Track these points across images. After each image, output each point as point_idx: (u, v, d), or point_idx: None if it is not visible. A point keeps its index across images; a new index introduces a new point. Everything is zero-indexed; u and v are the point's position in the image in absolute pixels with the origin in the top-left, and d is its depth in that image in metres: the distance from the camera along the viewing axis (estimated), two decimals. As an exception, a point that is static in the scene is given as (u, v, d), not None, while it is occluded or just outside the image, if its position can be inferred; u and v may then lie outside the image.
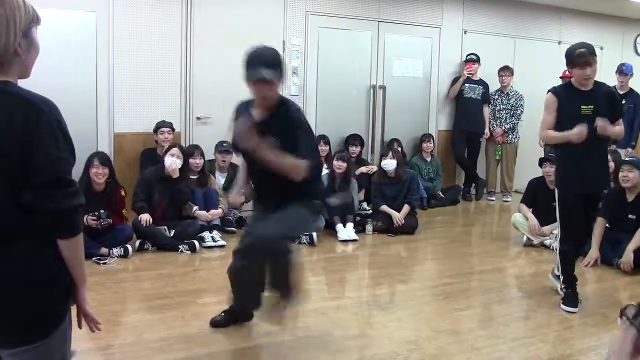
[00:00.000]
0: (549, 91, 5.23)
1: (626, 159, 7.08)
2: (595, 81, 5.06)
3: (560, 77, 9.50)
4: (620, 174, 6.53)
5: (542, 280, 5.79)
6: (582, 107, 4.93)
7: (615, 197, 6.63)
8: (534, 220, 7.20)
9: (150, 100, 7.57)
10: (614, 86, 9.26)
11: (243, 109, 4.18)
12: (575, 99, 4.97)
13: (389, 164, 7.73)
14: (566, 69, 9.61)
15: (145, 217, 6.44)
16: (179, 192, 6.70)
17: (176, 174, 6.64)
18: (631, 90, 9.23)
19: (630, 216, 6.50)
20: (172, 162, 6.62)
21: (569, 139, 4.87)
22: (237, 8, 8.06)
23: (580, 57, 4.91)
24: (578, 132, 4.80)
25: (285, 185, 3.88)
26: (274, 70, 3.86)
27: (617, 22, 11.93)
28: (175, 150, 6.71)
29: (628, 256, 6.24)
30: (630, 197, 6.54)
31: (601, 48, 11.78)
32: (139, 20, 7.46)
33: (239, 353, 4.22)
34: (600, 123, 4.80)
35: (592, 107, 4.92)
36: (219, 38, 7.93)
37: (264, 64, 3.85)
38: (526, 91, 9.86)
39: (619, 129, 5.02)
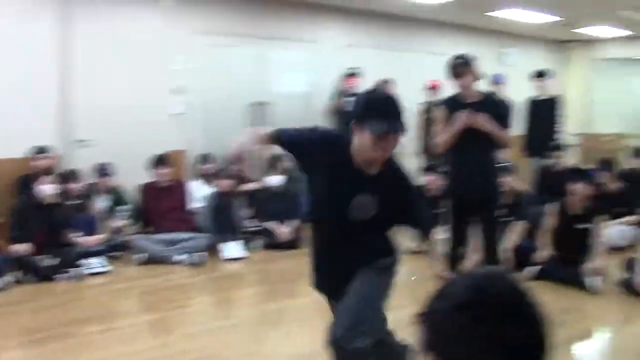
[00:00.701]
0: (439, 102, 5.44)
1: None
2: (485, 93, 5.19)
3: (429, 88, 9.82)
4: None
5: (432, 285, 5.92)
6: None
7: None
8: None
9: (27, 124, 7.29)
10: (532, 96, 9.67)
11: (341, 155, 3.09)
12: (460, 110, 5.09)
13: (274, 179, 7.76)
14: (431, 80, 9.96)
15: (23, 248, 6.20)
16: (57, 218, 6.50)
17: (52, 200, 6.43)
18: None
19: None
20: (46, 188, 6.40)
21: (456, 129, 5.07)
22: (120, 26, 7.93)
23: (455, 68, 5.07)
24: (460, 120, 5.02)
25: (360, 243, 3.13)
26: (402, 122, 2.99)
27: (486, 34, 12.43)
28: (46, 175, 6.47)
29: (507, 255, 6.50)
30: (507, 201, 6.80)
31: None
32: (8, 39, 7.20)
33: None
34: (469, 114, 4.99)
35: None
36: (101, 57, 7.78)
37: (397, 115, 2.98)
38: (406, 102, 10.06)
39: (502, 132, 5.08)
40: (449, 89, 5.52)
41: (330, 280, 3.35)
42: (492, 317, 1.14)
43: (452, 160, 5.36)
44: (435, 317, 1.20)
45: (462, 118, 5.02)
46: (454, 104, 5.18)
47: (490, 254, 5.31)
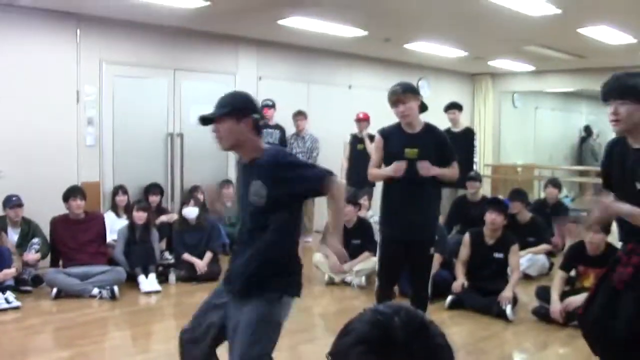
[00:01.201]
0: (378, 131, 5.17)
1: None
2: (427, 124, 4.95)
3: (359, 120, 9.98)
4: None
5: (347, 317, 5.95)
6: (405, 149, 4.83)
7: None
8: (333, 258, 7.40)
9: None
10: (447, 128, 9.87)
11: None
12: (400, 141, 4.88)
13: (191, 211, 7.72)
14: (360, 113, 10.08)
15: None
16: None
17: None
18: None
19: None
20: None
21: (388, 174, 4.85)
22: (26, 54, 7.75)
23: (391, 95, 4.88)
24: (394, 167, 4.78)
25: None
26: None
27: (401, 67, 12.71)
28: None
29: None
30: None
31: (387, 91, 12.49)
32: None
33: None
34: (422, 164, 4.75)
35: (416, 150, 4.81)
36: (7, 86, 7.59)
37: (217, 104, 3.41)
38: (321, 134, 10.21)
39: (449, 170, 4.91)
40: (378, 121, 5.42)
41: None
42: (381, 350, 1.20)
43: (387, 197, 5.06)
44: (338, 354, 1.27)
45: (400, 167, 4.79)
46: (393, 134, 4.96)
47: (421, 290, 5.05)
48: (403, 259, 5.00)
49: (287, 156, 3.52)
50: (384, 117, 11.47)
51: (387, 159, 4.92)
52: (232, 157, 9.98)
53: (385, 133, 5.02)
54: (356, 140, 10.08)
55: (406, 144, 4.83)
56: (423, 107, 4.93)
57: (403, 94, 4.80)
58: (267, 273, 3.33)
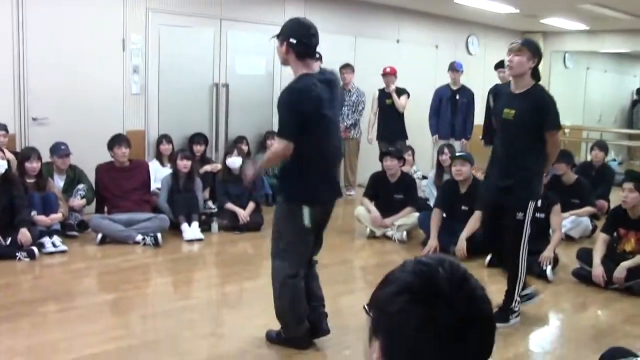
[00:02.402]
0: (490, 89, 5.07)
1: (457, 153, 7.45)
2: (534, 86, 4.68)
3: (382, 75, 9.88)
4: (453, 168, 6.88)
5: (386, 271, 5.98)
6: (504, 109, 4.71)
7: (449, 189, 6.99)
8: (375, 212, 7.47)
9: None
10: (448, 83, 9.77)
11: None
12: (504, 100, 4.80)
13: (234, 161, 7.75)
14: (386, 67, 9.92)
15: None
16: (13, 196, 6.36)
17: (6, 177, 6.29)
18: (463, 86, 9.72)
19: (463, 207, 6.86)
20: None
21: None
22: (74, 3, 7.76)
23: (509, 45, 4.77)
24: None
25: None
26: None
27: (451, 23, 12.53)
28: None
29: (461, 244, 6.60)
30: (463, 190, 6.90)
31: (436, 47, 12.37)
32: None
33: (84, 361, 4.09)
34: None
35: (513, 112, 4.65)
36: (56, 35, 7.62)
37: None
38: (367, 88, 10.13)
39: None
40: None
41: None
42: (426, 299, 1.20)
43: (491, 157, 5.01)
44: (379, 303, 1.28)
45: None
46: (503, 92, 4.90)
47: (510, 256, 4.98)
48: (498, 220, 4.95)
49: (281, 98, 4.06)
50: (431, 72, 11.40)
51: (494, 117, 4.88)
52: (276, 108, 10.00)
53: (496, 90, 5.02)
54: (384, 95, 9.99)
55: (507, 104, 4.71)
56: (535, 74, 4.70)
57: (519, 46, 4.66)
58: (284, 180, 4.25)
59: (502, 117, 4.71)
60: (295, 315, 4.22)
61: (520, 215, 4.73)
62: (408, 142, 9.85)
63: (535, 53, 4.64)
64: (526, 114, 4.58)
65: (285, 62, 4.07)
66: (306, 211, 4.04)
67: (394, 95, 9.80)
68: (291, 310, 4.22)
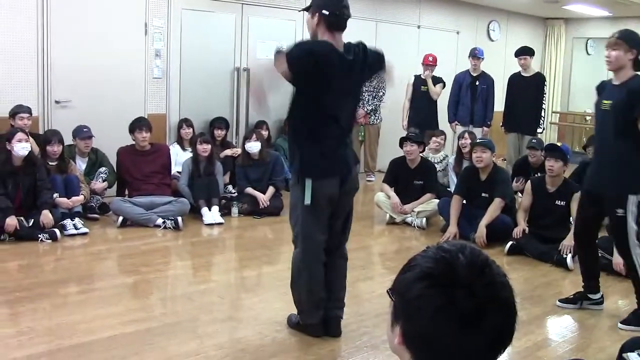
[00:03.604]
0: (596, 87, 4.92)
1: (478, 140, 7.40)
2: (633, 76, 4.52)
3: (423, 63, 9.86)
4: (474, 155, 6.85)
5: (405, 257, 5.98)
6: (603, 101, 4.64)
7: (469, 176, 6.96)
8: (395, 199, 7.46)
9: (3, 83, 7.19)
10: (467, 69, 9.72)
11: None
12: (605, 92, 4.70)
13: (253, 146, 7.76)
14: (429, 55, 9.94)
15: (12, 222, 6.08)
16: (35, 178, 6.40)
17: (29, 159, 6.32)
18: (483, 72, 9.66)
19: (483, 194, 6.84)
20: (22, 148, 6.23)
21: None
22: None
23: (608, 39, 4.68)
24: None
25: None
26: None
27: (472, 8, 12.45)
28: (21, 135, 6.26)
29: (481, 231, 6.58)
30: (483, 177, 6.87)
31: (457, 33, 12.29)
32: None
33: (107, 342, 4.10)
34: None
35: (609, 102, 4.57)
36: (79, 19, 7.66)
37: None
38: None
39: None
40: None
41: None
42: (445, 284, 1.22)
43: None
44: (400, 288, 1.29)
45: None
46: (606, 86, 4.74)
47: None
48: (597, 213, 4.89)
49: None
50: (452, 59, 11.34)
51: (595, 110, 4.81)
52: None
53: (601, 85, 4.84)
54: (419, 81, 9.96)
55: (606, 96, 4.63)
56: (637, 64, 4.54)
57: (615, 40, 4.57)
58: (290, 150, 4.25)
59: (601, 108, 4.63)
60: (310, 302, 4.21)
61: (620, 211, 4.56)
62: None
63: (633, 44, 4.52)
64: (620, 103, 4.48)
65: (315, 35, 4.03)
66: (308, 184, 3.99)
67: (430, 82, 9.78)
68: (306, 297, 4.21)
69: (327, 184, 4.07)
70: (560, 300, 5.13)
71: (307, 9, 4.03)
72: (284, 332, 4.34)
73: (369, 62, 4.26)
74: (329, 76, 3.94)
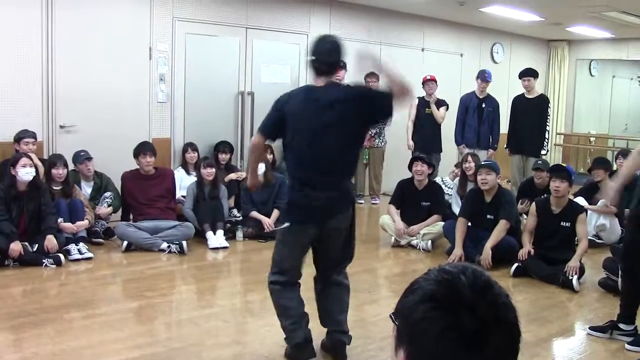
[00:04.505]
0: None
1: (483, 162, 7.38)
2: None
3: (422, 82, 9.86)
4: (479, 177, 6.84)
5: (411, 280, 5.95)
6: None
7: (474, 198, 6.94)
8: (400, 224, 7.45)
9: (8, 108, 7.22)
10: (473, 91, 9.72)
11: None
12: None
13: (259, 168, 7.74)
14: (426, 75, 9.96)
15: (16, 247, 6.06)
16: (40, 203, 6.40)
17: (33, 184, 6.32)
18: (489, 95, 9.66)
19: (488, 216, 6.82)
20: (26, 173, 6.23)
21: None
22: (101, 12, 7.84)
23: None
24: None
25: None
26: None
27: (476, 31, 12.50)
28: (25, 160, 6.26)
29: (486, 253, 6.55)
30: (488, 198, 6.85)
31: (461, 55, 12.34)
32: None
33: (108, 368, 4.10)
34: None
35: None
36: (83, 43, 7.70)
37: None
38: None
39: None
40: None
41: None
42: (448, 306, 1.21)
43: None
44: (403, 311, 1.28)
45: None
46: None
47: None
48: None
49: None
50: (456, 81, 11.38)
51: None
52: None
53: None
54: (423, 103, 9.95)
55: None
56: None
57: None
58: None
59: None
60: (288, 322, 4.21)
61: None
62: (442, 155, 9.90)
63: None
64: None
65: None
66: (286, 224, 4.18)
67: (433, 107, 9.78)
68: (280, 317, 4.26)
69: (299, 229, 4.16)
70: (590, 328, 4.97)
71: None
72: (289, 357, 4.31)
73: (351, 98, 4.12)
74: (296, 122, 4.12)
